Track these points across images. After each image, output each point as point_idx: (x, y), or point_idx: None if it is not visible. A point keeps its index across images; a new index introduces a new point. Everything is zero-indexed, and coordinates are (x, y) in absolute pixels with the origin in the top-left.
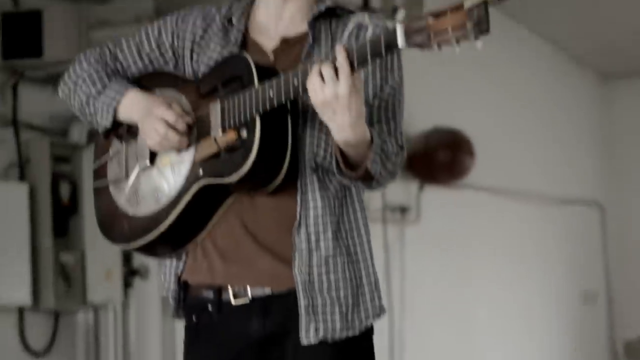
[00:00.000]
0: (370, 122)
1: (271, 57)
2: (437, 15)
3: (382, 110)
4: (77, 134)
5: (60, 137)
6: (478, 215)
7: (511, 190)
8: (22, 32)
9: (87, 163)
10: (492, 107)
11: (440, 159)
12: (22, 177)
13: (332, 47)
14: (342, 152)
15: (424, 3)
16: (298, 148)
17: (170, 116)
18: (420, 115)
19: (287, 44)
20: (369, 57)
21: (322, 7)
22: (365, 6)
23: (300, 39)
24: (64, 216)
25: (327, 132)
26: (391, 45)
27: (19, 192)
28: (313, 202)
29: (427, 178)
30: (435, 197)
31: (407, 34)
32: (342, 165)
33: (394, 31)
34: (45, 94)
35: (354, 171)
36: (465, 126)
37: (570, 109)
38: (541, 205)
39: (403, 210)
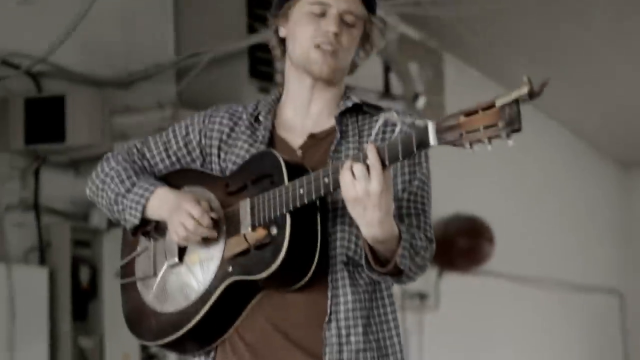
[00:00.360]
0: (399, 216)
1: (299, 153)
2: (469, 113)
3: (411, 203)
4: (98, 219)
5: (80, 222)
6: (497, 302)
7: (530, 277)
8: (45, 117)
9: (107, 247)
10: (511, 194)
11: (460, 245)
12: (42, 261)
13: (360, 142)
14: (371, 248)
15: (445, 91)
16: (328, 243)
17: (197, 211)
18: (440, 202)
19: (314, 139)
20: (400, 155)
21: (349, 103)
22: (387, 93)
23: (327, 135)
24: (84, 300)
25: (358, 227)
26: (423, 143)
27: (39, 276)
28: (344, 296)
29: (446, 265)
30: (455, 284)
31: (439, 132)
32: (371, 261)
33: (426, 129)
34: (66, 178)
35: (384, 267)
36: (485, 213)
37: (590, 197)
38: (560, 293)
39: (422, 297)
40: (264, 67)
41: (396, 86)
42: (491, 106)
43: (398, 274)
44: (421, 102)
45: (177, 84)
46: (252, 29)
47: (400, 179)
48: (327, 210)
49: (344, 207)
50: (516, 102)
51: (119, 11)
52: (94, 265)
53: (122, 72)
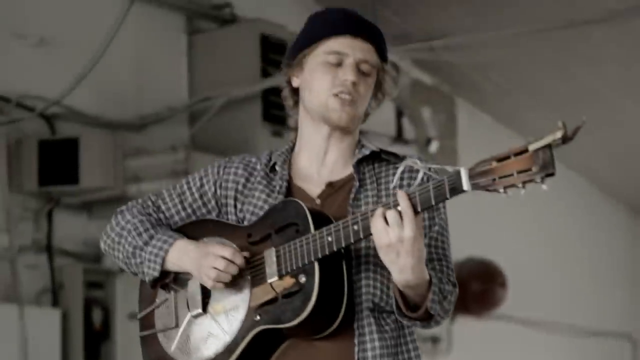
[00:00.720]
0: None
1: (318, 202)
2: (501, 159)
3: (432, 248)
4: (111, 261)
5: (93, 263)
6: (510, 347)
7: (543, 322)
8: (59, 159)
9: (119, 289)
10: (524, 238)
11: (473, 289)
12: (55, 302)
13: (378, 190)
14: (401, 293)
15: (457, 135)
16: (354, 290)
17: (227, 253)
18: (452, 245)
19: (332, 188)
20: (433, 201)
21: (367, 151)
22: (399, 138)
23: (344, 183)
24: (96, 342)
25: (382, 274)
26: (456, 188)
27: (51, 318)
28: (371, 343)
29: (459, 309)
30: (467, 328)
31: (472, 177)
32: (402, 306)
33: (459, 175)
34: (79, 220)
35: (414, 312)
36: (497, 257)
37: (602, 242)
38: (572, 337)
39: (434, 340)
40: (277, 111)
41: (409, 131)
42: (524, 151)
43: (427, 319)
44: (434, 147)
45: (190, 127)
46: (265, 73)
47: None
48: (351, 257)
49: (367, 255)
50: (549, 146)
51: (132, 55)
52: (106, 307)
53: (136, 115)
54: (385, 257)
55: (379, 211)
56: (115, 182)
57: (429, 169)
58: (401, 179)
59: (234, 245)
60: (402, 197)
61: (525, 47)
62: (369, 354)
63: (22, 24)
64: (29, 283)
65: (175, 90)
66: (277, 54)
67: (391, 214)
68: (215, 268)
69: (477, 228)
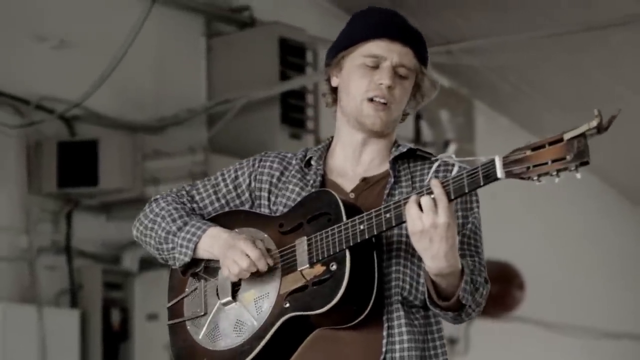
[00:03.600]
0: None
1: (351, 196)
2: (535, 147)
3: (465, 245)
4: (129, 262)
5: (112, 264)
6: (526, 348)
7: (560, 324)
8: (78, 161)
9: (138, 290)
10: (541, 241)
11: (491, 291)
12: (73, 303)
13: (413, 187)
14: (433, 283)
15: (475, 138)
16: (384, 283)
17: (254, 253)
18: None
19: (366, 183)
20: (466, 188)
21: (404, 148)
22: (417, 140)
23: (380, 179)
24: (115, 342)
25: (412, 268)
26: (490, 176)
27: (70, 319)
28: (399, 336)
29: None
30: (484, 329)
31: (506, 165)
32: (433, 294)
33: (493, 162)
34: (98, 221)
35: (445, 301)
36: (515, 259)
37: (618, 244)
38: (589, 339)
39: (452, 341)
40: (295, 113)
41: (427, 133)
42: (559, 140)
43: (459, 309)
44: (451, 150)
45: (208, 129)
46: (284, 76)
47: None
48: (382, 250)
49: (398, 248)
50: (583, 135)
51: (152, 57)
52: (125, 308)
53: (155, 117)
54: (418, 244)
55: (413, 197)
56: (134, 184)
57: (464, 162)
58: (437, 172)
59: (266, 236)
60: (435, 185)
61: (542, 50)
62: (397, 346)
63: (42, 27)
64: (48, 284)
65: (194, 92)
66: (296, 56)
67: (425, 200)
68: (236, 264)
69: (495, 230)
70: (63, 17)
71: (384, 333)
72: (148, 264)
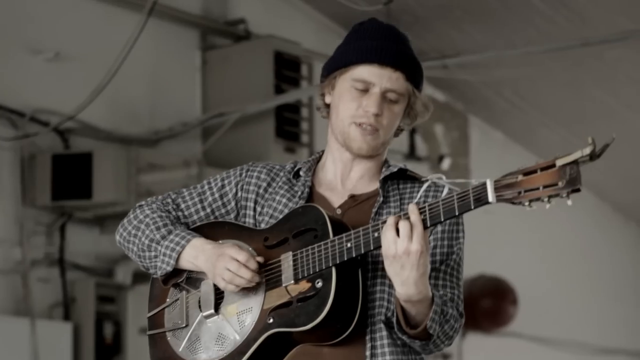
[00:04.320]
0: (436, 287)
1: (338, 212)
2: (527, 172)
3: (447, 275)
4: (122, 275)
5: (105, 278)
6: None
7: (553, 339)
8: (72, 174)
9: (131, 303)
10: (535, 256)
11: (483, 306)
12: (66, 316)
13: (401, 208)
14: (402, 309)
15: (470, 153)
16: (368, 301)
17: (242, 256)
18: (464, 262)
19: (354, 200)
20: (456, 210)
21: (395, 168)
22: (412, 154)
23: (368, 197)
24: (107, 356)
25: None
26: (481, 199)
27: (63, 331)
28: (382, 356)
29: (469, 325)
30: (478, 344)
31: (497, 189)
32: (402, 321)
33: (484, 186)
34: (92, 234)
35: (414, 329)
36: (508, 274)
37: (612, 260)
38: (583, 355)
39: (445, 357)
40: (290, 127)
41: (421, 148)
42: (551, 166)
43: (426, 339)
44: (446, 164)
45: (203, 142)
46: (278, 90)
47: (439, 250)
48: (367, 269)
49: (383, 268)
50: (576, 162)
51: (146, 70)
52: (118, 321)
53: (149, 130)
54: (390, 268)
55: (391, 221)
56: (128, 197)
57: (455, 184)
58: (426, 196)
59: (250, 248)
60: (412, 211)
61: (537, 65)
62: None
63: (37, 39)
64: (41, 297)
65: (189, 105)
66: (291, 70)
67: (403, 225)
68: (228, 270)
69: (488, 245)
70: (58, 30)
71: (367, 353)
72: (141, 277)
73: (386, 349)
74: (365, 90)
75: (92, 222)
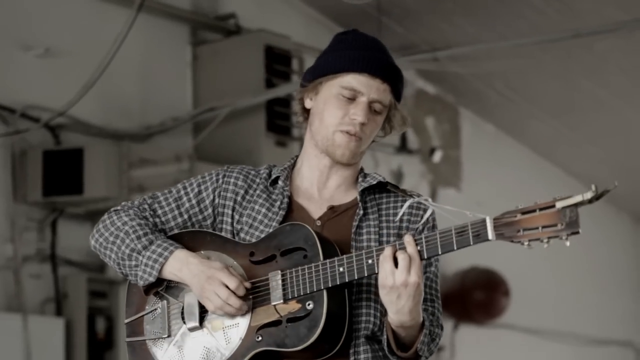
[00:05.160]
0: None
1: (318, 223)
2: (526, 212)
3: (427, 289)
4: (114, 270)
5: (97, 273)
6: (513, 355)
7: (546, 330)
8: (63, 170)
9: (123, 298)
10: (527, 247)
11: (476, 298)
12: (58, 312)
13: (380, 221)
14: (393, 332)
15: (461, 145)
16: (353, 316)
17: (232, 283)
18: (457, 254)
19: (333, 212)
20: (454, 245)
21: (373, 181)
22: (403, 147)
23: (347, 209)
24: (100, 351)
25: (381, 302)
26: (480, 236)
27: (55, 327)
28: None
29: (462, 317)
30: (470, 336)
31: (497, 227)
32: (393, 345)
33: (484, 223)
34: (83, 230)
35: (403, 351)
36: (501, 266)
37: (606, 250)
38: (575, 346)
39: (438, 350)
40: (281, 121)
41: (412, 141)
42: (550, 206)
43: (415, 359)
44: (437, 157)
45: (194, 137)
46: (269, 84)
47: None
48: (352, 285)
49: (369, 284)
50: (576, 205)
51: (137, 65)
52: (110, 316)
53: (140, 125)
54: (385, 297)
55: (388, 252)
56: (119, 192)
57: (437, 210)
58: (404, 214)
59: (235, 264)
60: (409, 242)
61: (529, 57)
62: None
63: (28, 35)
64: (33, 292)
65: (180, 100)
66: (281, 64)
67: (402, 257)
68: (217, 296)
69: None
70: (48, 26)
71: None
72: None
73: None
74: (352, 99)
75: (83, 217)
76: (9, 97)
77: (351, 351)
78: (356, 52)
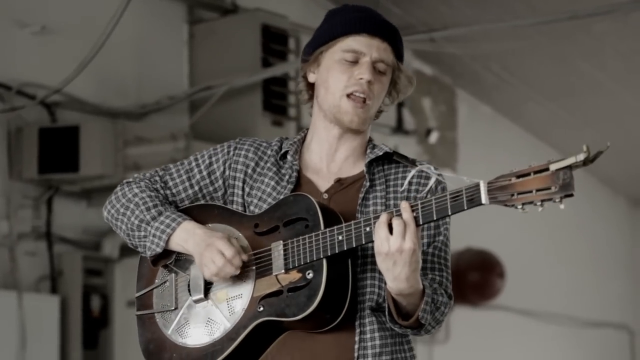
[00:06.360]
0: (423, 269)
1: (325, 196)
2: (521, 175)
3: (435, 257)
4: (110, 248)
5: (92, 251)
6: (507, 337)
7: (541, 312)
8: (59, 147)
9: (118, 277)
10: (523, 229)
11: (471, 279)
12: (53, 289)
13: (387, 192)
14: (394, 301)
15: (457, 127)
16: (358, 289)
17: (229, 251)
18: (452, 235)
19: (340, 184)
20: (449, 210)
21: (380, 152)
22: (399, 128)
23: (354, 181)
24: (95, 329)
25: None
26: (474, 200)
27: (50, 305)
28: (371, 341)
29: (456, 298)
30: (465, 317)
31: (490, 191)
32: (394, 313)
33: (477, 187)
34: (79, 207)
35: (406, 320)
36: (496, 247)
37: (601, 233)
38: (570, 328)
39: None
40: (277, 100)
41: (409, 122)
42: (544, 169)
43: (418, 327)
44: (433, 138)
45: (190, 116)
46: (266, 63)
47: (426, 233)
48: (357, 256)
49: (373, 255)
50: (569, 167)
51: (133, 43)
52: (105, 294)
53: (136, 103)
54: (382, 265)
55: (384, 218)
56: (115, 170)
57: (442, 176)
58: (410, 183)
59: (240, 234)
60: (405, 209)
61: (525, 39)
62: (369, 351)
63: (24, 12)
64: (28, 270)
65: (176, 79)
66: (278, 43)
67: (397, 223)
68: (213, 262)
69: (475, 218)
70: (44, 3)
71: (356, 338)
72: (129, 250)
73: (376, 334)
74: (354, 62)
75: (79, 195)
76: (4, 74)
77: (357, 323)
78: (351, 15)
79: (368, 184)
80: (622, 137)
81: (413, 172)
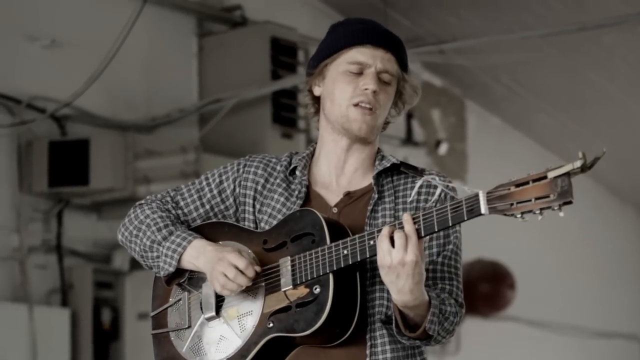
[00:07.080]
0: (433, 279)
1: (334, 210)
2: (519, 184)
3: (445, 267)
4: (120, 261)
5: (103, 264)
6: (518, 348)
7: (551, 323)
8: (69, 161)
9: (129, 289)
10: (533, 240)
11: (481, 290)
12: (64, 302)
13: (396, 203)
14: (401, 313)
15: (467, 138)
16: (367, 302)
17: (241, 262)
18: (463, 246)
19: (349, 198)
20: (450, 221)
21: (387, 163)
22: (409, 140)
23: (363, 194)
24: (105, 342)
25: None
26: (474, 210)
27: (61, 318)
28: (383, 354)
29: (467, 309)
30: (476, 328)
31: (490, 201)
32: (401, 325)
33: (477, 198)
34: (89, 220)
35: (413, 331)
36: (506, 258)
37: (610, 243)
38: (581, 339)
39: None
40: (287, 113)
41: (418, 133)
42: (542, 178)
43: (427, 339)
44: (443, 149)
45: (200, 128)
46: (275, 75)
47: (435, 242)
48: (366, 269)
49: None
50: (567, 174)
51: (143, 57)
52: (115, 307)
53: (146, 116)
54: (385, 277)
55: (386, 231)
56: (125, 183)
57: (447, 186)
58: (419, 194)
59: (250, 251)
60: (407, 221)
61: (534, 50)
62: None
63: (34, 26)
64: (38, 283)
65: (186, 92)
66: (287, 56)
67: (398, 236)
68: (224, 275)
69: (486, 229)
70: (54, 17)
71: (367, 352)
72: (139, 263)
73: (387, 347)
74: (359, 73)
75: (89, 208)
76: (15, 88)
77: (367, 336)
78: (354, 26)
79: (376, 196)
80: (631, 148)
81: (419, 182)
